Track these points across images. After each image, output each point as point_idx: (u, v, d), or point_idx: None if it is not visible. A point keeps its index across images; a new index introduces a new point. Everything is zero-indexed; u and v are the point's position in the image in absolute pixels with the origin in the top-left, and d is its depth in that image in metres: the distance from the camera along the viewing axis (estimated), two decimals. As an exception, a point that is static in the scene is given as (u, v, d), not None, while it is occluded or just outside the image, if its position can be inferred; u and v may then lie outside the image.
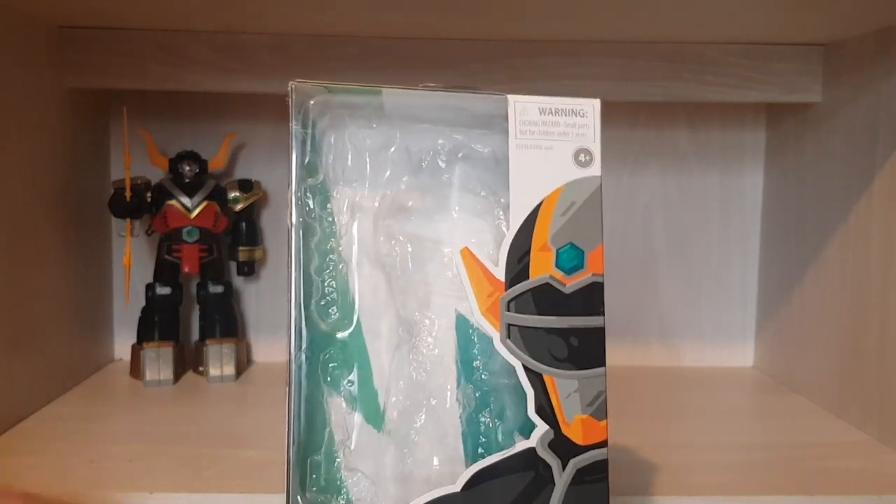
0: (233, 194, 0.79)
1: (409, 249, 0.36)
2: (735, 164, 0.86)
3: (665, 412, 0.73)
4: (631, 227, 0.87)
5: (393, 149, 0.36)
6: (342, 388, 0.35)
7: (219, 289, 0.80)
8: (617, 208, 0.86)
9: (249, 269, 0.81)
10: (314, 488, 0.35)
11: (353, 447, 0.35)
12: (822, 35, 0.71)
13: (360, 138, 0.36)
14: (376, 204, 0.36)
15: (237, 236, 0.81)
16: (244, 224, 0.81)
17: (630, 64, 0.74)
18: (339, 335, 0.35)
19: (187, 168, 0.77)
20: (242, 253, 0.80)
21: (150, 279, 0.79)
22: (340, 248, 0.35)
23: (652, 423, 0.68)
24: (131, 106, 0.77)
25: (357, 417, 0.35)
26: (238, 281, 0.85)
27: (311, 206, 0.35)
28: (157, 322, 0.78)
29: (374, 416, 0.35)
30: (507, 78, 0.73)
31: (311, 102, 0.35)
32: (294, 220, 0.35)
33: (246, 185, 0.79)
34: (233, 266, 0.82)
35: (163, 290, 0.78)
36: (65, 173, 0.72)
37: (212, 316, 0.80)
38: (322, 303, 0.35)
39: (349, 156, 0.36)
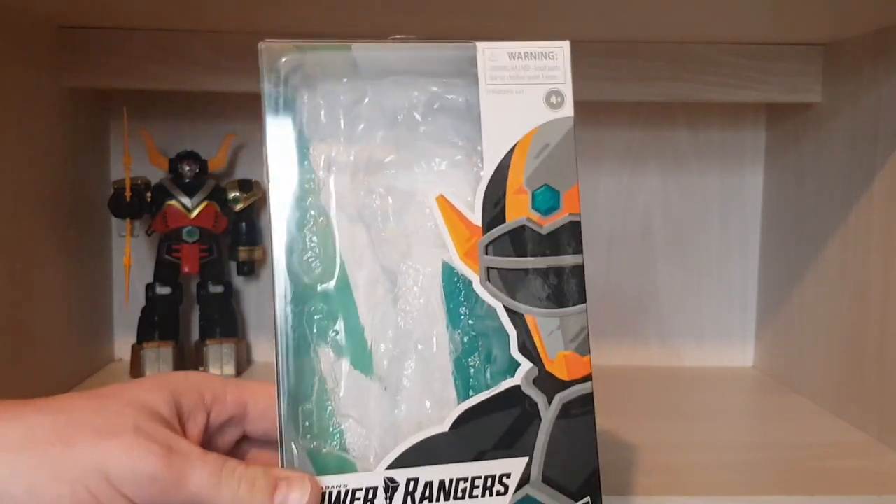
0: (233, 194, 0.79)
1: (390, 202, 0.36)
2: (735, 164, 0.86)
3: (665, 412, 0.73)
4: (631, 227, 0.87)
5: (366, 102, 0.36)
6: (328, 338, 0.36)
7: (219, 289, 0.80)
8: (617, 208, 0.86)
9: (249, 269, 0.81)
10: (307, 435, 0.35)
11: (342, 394, 0.36)
12: (822, 35, 0.71)
13: (333, 94, 0.36)
14: (352, 158, 0.36)
15: (237, 236, 0.81)
16: (244, 224, 0.80)
17: (630, 64, 0.74)
18: (322, 287, 0.36)
19: (187, 168, 0.77)
20: (242, 253, 0.80)
21: (150, 279, 0.79)
22: (320, 203, 0.36)
23: (652, 423, 0.68)
24: (131, 106, 0.77)
25: (345, 365, 0.36)
26: (238, 281, 0.85)
27: (288, 164, 0.36)
28: (157, 322, 0.78)
29: (363, 362, 0.36)
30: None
31: (282, 60, 0.36)
32: (272, 177, 0.35)
33: (246, 185, 0.79)
34: (233, 266, 0.82)
35: (163, 290, 0.78)
36: (65, 173, 0.72)
37: (212, 316, 0.80)
38: (304, 257, 0.36)
39: (322, 112, 0.36)
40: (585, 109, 0.85)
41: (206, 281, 0.80)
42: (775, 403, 0.76)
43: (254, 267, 0.82)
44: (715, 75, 0.74)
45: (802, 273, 0.77)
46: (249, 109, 0.83)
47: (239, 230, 0.80)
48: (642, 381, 0.82)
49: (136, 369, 0.77)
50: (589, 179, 0.86)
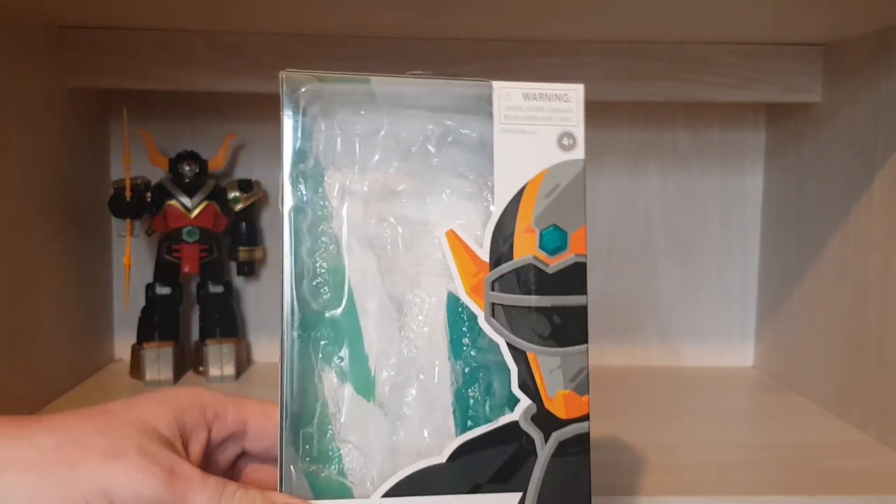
0: (233, 194, 0.79)
1: (400, 231, 0.37)
2: (735, 164, 0.86)
3: (665, 412, 0.73)
4: (631, 227, 0.87)
5: (382, 133, 0.37)
6: (333, 364, 0.36)
7: (219, 289, 0.80)
8: (617, 208, 0.86)
9: (249, 269, 0.81)
10: (307, 458, 0.36)
11: (343, 420, 0.36)
12: (822, 35, 0.71)
13: (350, 125, 0.37)
14: (366, 188, 0.37)
15: (237, 236, 0.81)
16: (244, 224, 0.81)
17: (630, 64, 0.74)
18: (330, 314, 0.37)
19: (187, 168, 0.77)
20: (242, 253, 0.80)
21: (150, 279, 0.79)
22: (331, 230, 0.37)
23: (652, 423, 0.68)
24: (131, 106, 0.77)
25: (348, 390, 0.36)
26: (238, 281, 0.85)
27: (304, 191, 0.36)
28: (157, 322, 0.78)
29: (365, 388, 0.37)
30: (508, 78, 0.73)
31: (302, 90, 0.37)
32: (287, 204, 0.36)
33: (246, 185, 0.79)
34: (233, 266, 0.82)
35: (163, 290, 0.78)
36: (65, 173, 0.72)
37: (212, 316, 0.80)
38: (314, 283, 0.36)
39: (339, 142, 0.37)
40: (585, 109, 0.85)
41: (206, 281, 0.80)
42: (775, 403, 0.76)
43: (254, 267, 0.82)
44: (715, 75, 0.75)
45: (802, 273, 0.77)
46: (249, 109, 0.83)
47: (239, 230, 0.80)
48: (642, 381, 0.82)
49: (136, 369, 0.77)
50: (589, 179, 0.86)
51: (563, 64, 0.73)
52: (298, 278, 0.36)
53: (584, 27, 0.68)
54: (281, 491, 0.35)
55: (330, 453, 0.36)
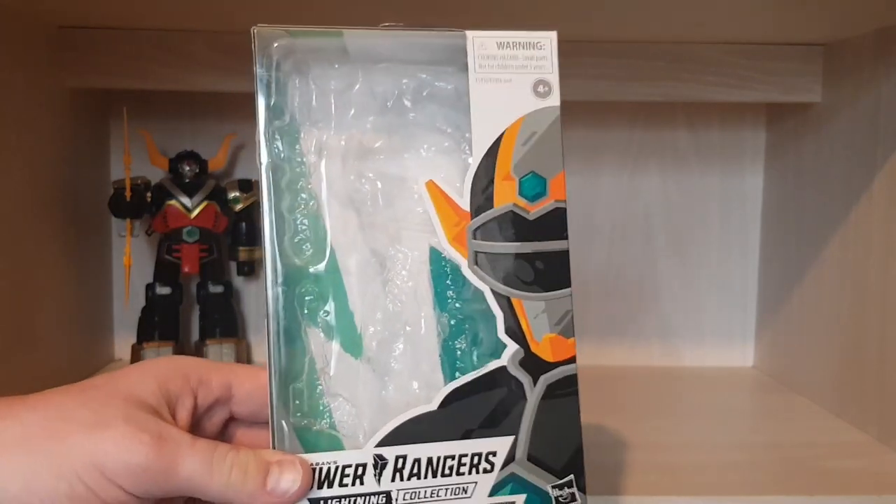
0: (233, 194, 0.79)
1: (379, 186, 0.37)
2: (735, 164, 0.86)
3: (665, 412, 0.73)
4: (631, 227, 0.87)
5: (357, 87, 0.37)
6: (319, 319, 0.36)
7: (219, 289, 0.80)
8: (617, 208, 0.86)
9: (249, 269, 0.81)
10: (298, 414, 0.36)
11: (332, 374, 0.36)
12: (822, 35, 0.71)
13: (324, 80, 0.37)
14: (343, 143, 0.37)
15: (237, 236, 0.81)
16: (244, 224, 0.80)
17: (630, 64, 0.74)
18: (313, 269, 0.36)
19: (187, 168, 0.77)
20: (242, 253, 0.80)
21: (150, 279, 0.79)
22: (310, 187, 0.37)
23: (652, 423, 0.68)
24: (131, 106, 0.77)
25: (335, 346, 0.36)
26: (238, 281, 0.85)
27: (280, 148, 0.36)
28: (157, 322, 0.78)
29: (352, 344, 0.37)
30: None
31: (275, 45, 0.37)
32: (264, 160, 0.36)
33: (246, 185, 0.79)
34: (233, 266, 0.82)
35: (163, 290, 0.78)
36: (65, 173, 0.72)
37: (212, 316, 0.80)
38: (295, 239, 0.36)
39: (314, 97, 0.37)
40: (585, 109, 0.86)
41: (206, 281, 0.80)
42: (775, 403, 0.76)
43: (254, 267, 0.82)
44: (715, 75, 0.75)
45: (802, 273, 0.77)
46: (249, 109, 0.83)
47: (239, 230, 0.80)
48: (642, 381, 0.82)
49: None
50: (589, 179, 0.86)
51: (564, 64, 0.73)
52: (280, 234, 0.36)
53: (585, 27, 0.68)
54: (273, 447, 0.35)
55: (320, 408, 0.36)
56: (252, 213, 0.81)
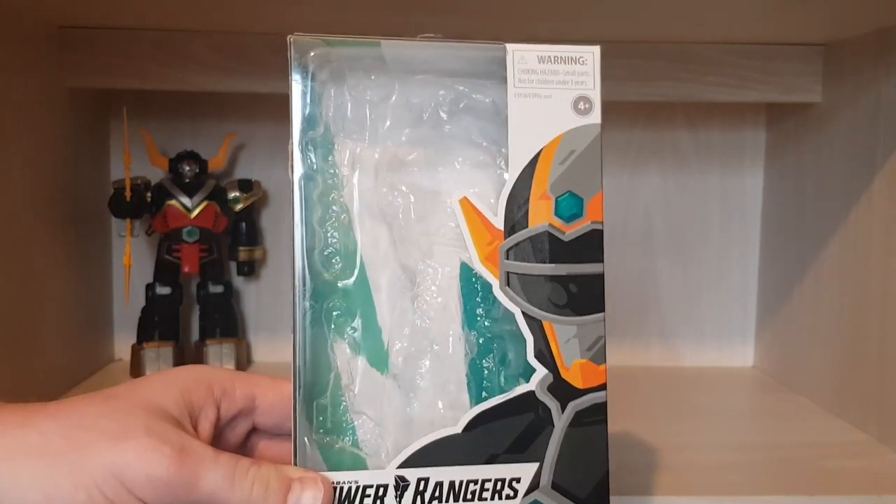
0: (233, 194, 0.79)
1: (412, 200, 0.36)
2: (735, 164, 0.86)
3: (665, 412, 0.73)
4: (631, 227, 0.87)
5: (393, 98, 0.36)
6: (346, 335, 0.36)
7: (219, 289, 0.80)
8: (617, 208, 0.86)
9: (249, 269, 0.81)
10: (321, 430, 0.35)
11: (357, 391, 0.36)
12: (822, 35, 0.71)
13: (360, 90, 0.36)
14: (377, 156, 0.36)
15: (237, 236, 0.81)
16: (244, 224, 0.80)
17: (630, 64, 0.74)
18: (342, 284, 0.36)
19: (187, 168, 0.77)
20: (242, 253, 0.80)
21: (150, 279, 0.79)
22: (342, 200, 0.36)
23: (652, 423, 0.68)
24: (131, 106, 0.77)
25: (361, 362, 0.36)
26: (238, 281, 0.85)
27: (314, 159, 0.36)
28: (157, 322, 0.78)
29: (379, 360, 0.36)
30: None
31: (311, 55, 0.35)
32: (297, 171, 0.35)
33: (246, 185, 0.79)
34: (233, 266, 0.82)
35: (163, 290, 0.78)
36: (65, 173, 0.72)
37: (212, 316, 0.80)
38: (325, 253, 0.36)
39: (349, 108, 0.36)
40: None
41: (206, 281, 0.80)
42: (775, 403, 0.76)
43: (254, 267, 0.82)
44: (715, 75, 0.74)
45: (802, 273, 0.77)
46: (249, 109, 0.83)
47: (239, 230, 0.80)
48: (642, 381, 0.82)
49: (136, 369, 0.77)
50: (589, 179, 0.86)
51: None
52: (309, 248, 0.35)
53: (585, 27, 0.68)
54: (295, 464, 0.35)
55: (344, 425, 0.36)
56: (252, 213, 0.81)
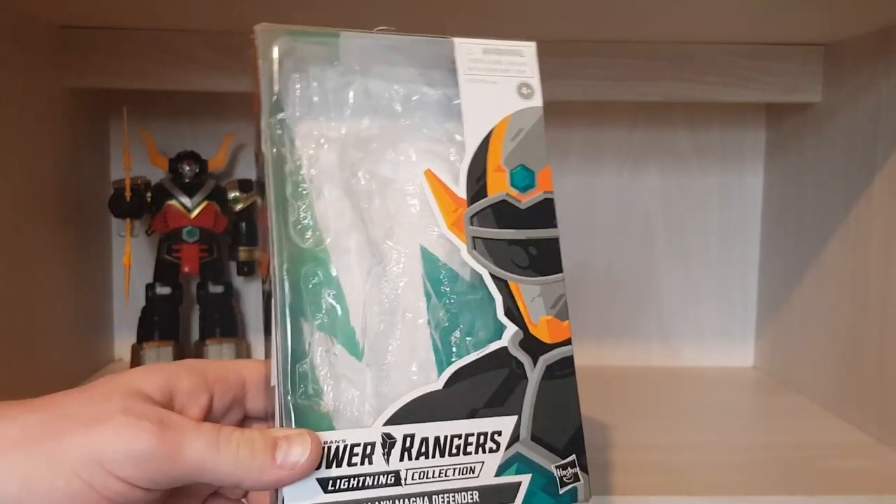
0: (233, 194, 0.79)
1: (374, 187, 0.39)
2: (735, 164, 0.86)
3: (665, 412, 0.73)
4: (631, 227, 0.87)
5: (353, 87, 0.40)
6: (322, 303, 0.37)
7: (219, 289, 0.80)
8: (617, 208, 0.86)
9: (249, 269, 0.81)
10: (303, 395, 0.36)
11: (337, 355, 0.37)
12: (822, 35, 0.71)
13: (323, 78, 0.39)
14: (342, 134, 0.39)
15: (237, 236, 0.81)
16: (244, 224, 0.80)
17: (630, 64, 0.74)
18: (316, 252, 0.38)
19: (187, 168, 0.77)
20: (242, 253, 0.80)
21: (150, 279, 0.79)
22: (312, 176, 0.38)
23: (652, 423, 0.68)
24: (131, 106, 0.77)
25: (339, 329, 0.37)
26: (238, 281, 0.85)
27: (282, 137, 0.38)
28: (157, 322, 0.78)
29: (350, 342, 0.37)
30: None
31: (276, 44, 0.39)
32: (268, 146, 0.37)
33: (246, 185, 0.79)
34: (233, 266, 0.82)
35: (163, 290, 0.78)
36: (65, 173, 0.72)
37: (212, 316, 0.80)
38: (297, 227, 0.38)
39: (313, 92, 0.39)
40: (585, 109, 0.86)
41: (206, 281, 0.80)
42: (775, 403, 0.76)
43: (254, 267, 0.82)
44: (715, 75, 0.75)
45: (802, 273, 0.77)
46: (249, 109, 0.83)
47: (239, 230, 0.80)
48: (642, 381, 0.82)
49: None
50: (589, 179, 0.86)
51: (564, 64, 0.73)
52: (284, 218, 0.37)
53: (584, 27, 0.68)
54: (280, 426, 0.35)
55: (326, 388, 0.36)
56: (252, 213, 0.81)
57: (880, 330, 0.64)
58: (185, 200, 0.77)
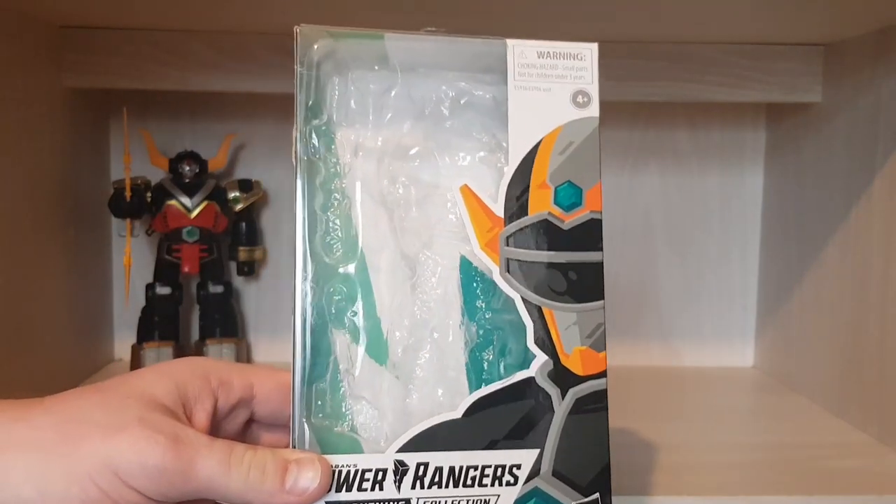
0: (233, 194, 0.79)
1: (413, 192, 0.37)
2: (735, 164, 0.86)
3: (665, 412, 0.73)
4: (631, 227, 0.87)
5: (395, 91, 0.37)
6: (346, 320, 0.36)
7: (219, 289, 0.80)
8: (617, 208, 0.86)
9: (249, 269, 0.81)
10: (320, 414, 0.35)
11: (356, 375, 0.36)
12: (822, 35, 0.71)
13: (363, 82, 0.37)
14: (379, 144, 0.37)
15: (237, 236, 0.81)
16: (244, 224, 0.80)
17: (630, 64, 0.74)
18: (343, 269, 0.36)
19: (187, 168, 0.77)
20: (242, 253, 0.80)
21: (150, 279, 0.79)
22: (344, 187, 0.36)
23: (652, 423, 0.68)
24: (131, 106, 0.77)
25: (360, 348, 0.36)
26: (238, 281, 0.85)
27: (317, 146, 0.36)
28: (157, 322, 0.78)
29: (377, 350, 0.36)
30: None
31: (315, 46, 0.37)
32: (299, 157, 0.36)
33: (246, 185, 0.79)
34: (233, 266, 0.82)
35: (163, 290, 0.78)
36: (64, 173, 0.72)
37: (212, 316, 0.80)
38: (327, 239, 0.36)
39: (352, 98, 0.37)
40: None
41: (206, 281, 0.80)
42: (775, 403, 0.76)
43: (254, 267, 0.82)
44: (715, 75, 0.74)
45: (802, 273, 0.77)
46: (249, 109, 0.83)
47: (239, 230, 0.80)
48: (642, 381, 0.82)
49: (136, 369, 0.77)
50: (589, 179, 0.86)
51: (563, 64, 0.73)
52: (311, 232, 0.36)
53: (584, 27, 0.68)
54: (293, 447, 0.35)
55: (343, 409, 0.36)
56: (252, 213, 0.81)
57: (880, 330, 0.64)
58: (185, 200, 0.77)
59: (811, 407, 0.74)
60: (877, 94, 0.65)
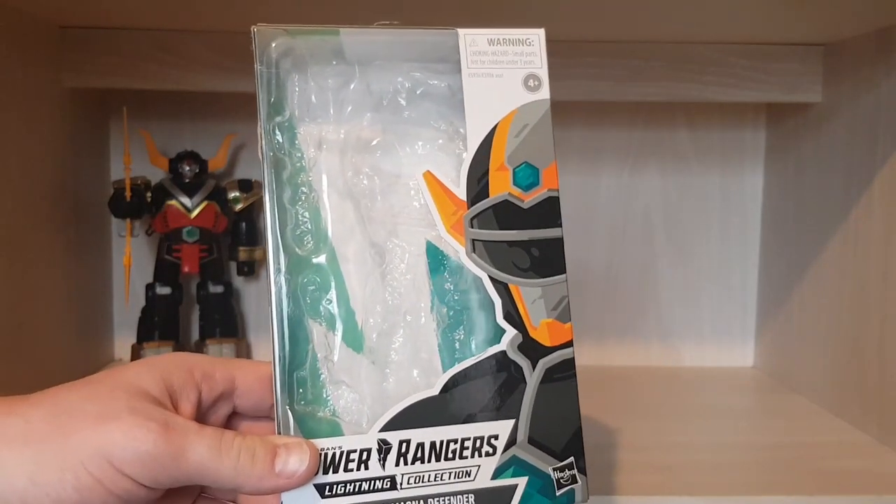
0: (233, 194, 0.79)
1: (377, 182, 0.38)
2: (735, 164, 0.86)
3: (665, 412, 0.73)
4: (631, 227, 0.87)
5: (353, 84, 0.39)
6: (321, 309, 0.37)
7: (219, 289, 0.80)
8: (617, 208, 0.86)
9: (249, 269, 0.81)
10: (302, 401, 0.37)
11: (335, 362, 0.37)
12: (822, 35, 0.71)
13: (322, 77, 0.38)
14: (342, 136, 0.38)
15: (237, 236, 0.81)
16: (244, 224, 0.81)
17: (630, 64, 0.74)
18: (315, 260, 0.38)
19: (187, 168, 0.77)
20: (242, 253, 0.80)
21: (150, 279, 0.79)
22: (310, 180, 0.38)
23: (652, 423, 0.68)
24: (131, 106, 0.77)
25: (337, 335, 0.37)
26: (238, 281, 0.85)
27: (281, 142, 0.38)
28: (157, 322, 0.78)
29: (353, 337, 0.38)
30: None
31: (273, 44, 0.38)
32: (265, 153, 0.37)
33: (246, 185, 0.79)
34: (233, 266, 0.82)
35: (163, 290, 0.78)
36: (64, 173, 0.72)
37: (212, 316, 0.80)
38: (297, 232, 0.37)
39: (313, 93, 0.38)
40: (585, 109, 0.86)
41: (206, 281, 0.80)
42: (775, 403, 0.76)
43: (254, 267, 0.82)
44: (715, 75, 0.75)
45: (802, 273, 0.77)
46: (249, 109, 0.83)
47: (239, 230, 0.80)
48: (642, 381, 0.82)
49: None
50: (589, 179, 0.86)
51: (564, 64, 0.73)
52: (282, 226, 0.37)
53: (585, 27, 0.68)
54: (279, 434, 0.36)
55: (324, 395, 0.37)
56: (252, 213, 0.81)
57: (880, 330, 0.64)
58: (185, 200, 0.77)
59: (811, 407, 0.74)
60: (877, 94, 0.65)
